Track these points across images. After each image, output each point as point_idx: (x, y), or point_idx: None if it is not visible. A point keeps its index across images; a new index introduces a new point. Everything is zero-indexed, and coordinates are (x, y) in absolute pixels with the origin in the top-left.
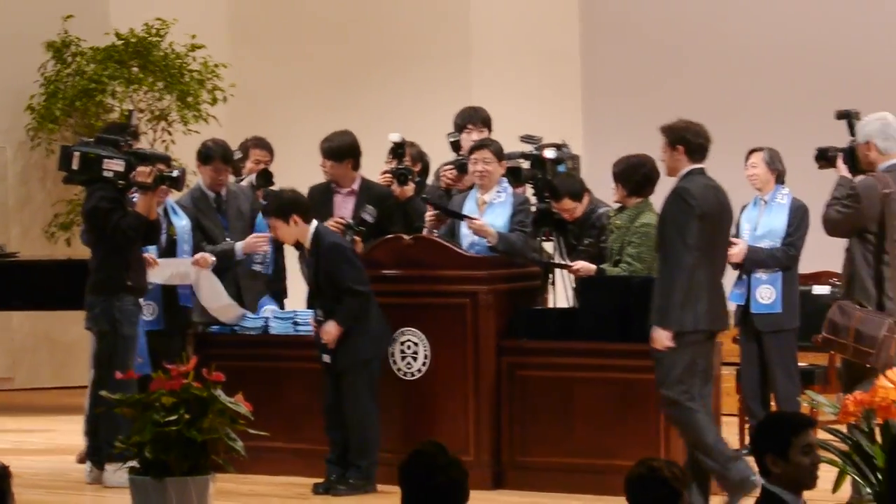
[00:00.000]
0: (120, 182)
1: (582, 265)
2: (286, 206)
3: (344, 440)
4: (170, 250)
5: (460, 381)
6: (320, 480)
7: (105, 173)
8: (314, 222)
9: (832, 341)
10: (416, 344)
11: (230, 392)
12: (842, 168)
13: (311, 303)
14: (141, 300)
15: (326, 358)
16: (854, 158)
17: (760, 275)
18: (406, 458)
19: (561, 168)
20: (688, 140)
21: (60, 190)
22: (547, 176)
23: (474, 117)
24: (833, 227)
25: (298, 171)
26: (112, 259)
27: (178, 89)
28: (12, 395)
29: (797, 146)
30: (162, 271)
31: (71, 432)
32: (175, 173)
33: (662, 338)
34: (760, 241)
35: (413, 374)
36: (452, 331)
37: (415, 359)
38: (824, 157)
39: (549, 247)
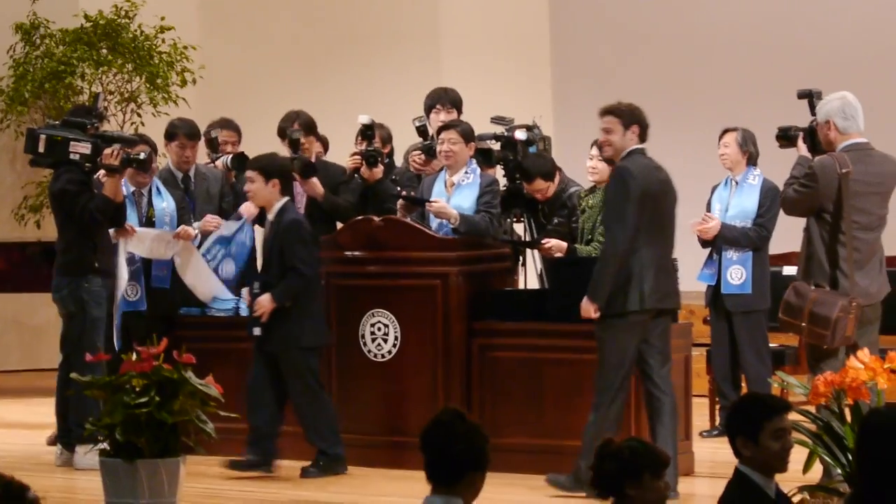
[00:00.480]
0: (86, 164)
1: (554, 243)
2: (274, 167)
3: (267, 422)
4: None
5: (430, 363)
6: (291, 462)
7: (71, 156)
8: (286, 198)
9: (788, 323)
10: (386, 325)
11: (201, 374)
12: (802, 147)
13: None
14: (125, 280)
15: (257, 331)
16: (814, 138)
17: (731, 255)
18: (426, 426)
19: (532, 149)
20: (642, 122)
21: (30, 172)
22: (518, 157)
23: (443, 98)
24: (790, 206)
25: (268, 152)
26: (79, 241)
27: (148, 71)
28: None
29: (769, 127)
30: (141, 242)
31: (41, 414)
32: (142, 155)
33: (589, 309)
34: (732, 221)
35: (383, 356)
36: (423, 312)
37: (385, 340)
38: (786, 137)
39: (519, 228)
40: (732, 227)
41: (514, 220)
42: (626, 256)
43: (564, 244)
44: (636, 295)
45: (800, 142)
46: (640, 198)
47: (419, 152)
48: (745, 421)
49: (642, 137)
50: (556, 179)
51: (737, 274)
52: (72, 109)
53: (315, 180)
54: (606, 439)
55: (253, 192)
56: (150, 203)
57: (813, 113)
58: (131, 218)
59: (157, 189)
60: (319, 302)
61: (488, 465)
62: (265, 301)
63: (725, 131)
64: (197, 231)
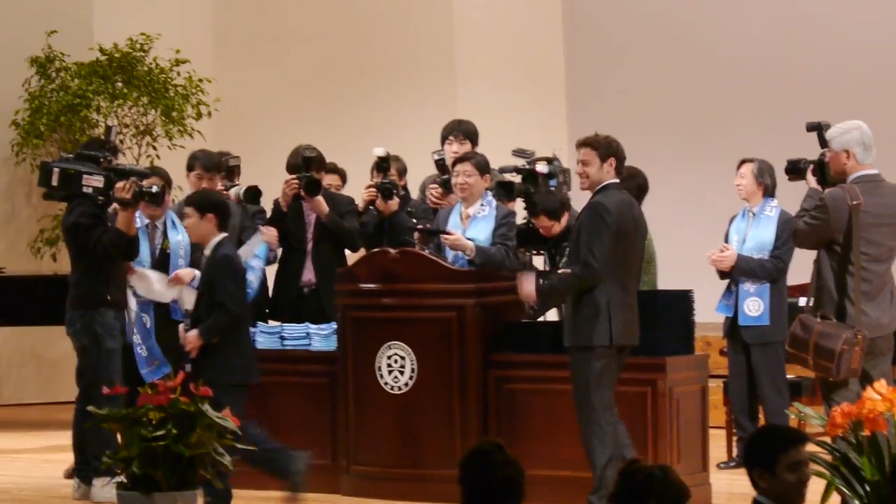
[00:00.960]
0: (100, 198)
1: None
2: (208, 202)
3: None
4: (162, 264)
5: (447, 395)
6: (309, 495)
7: (84, 189)
8: (224, 234)
9: (795, 356)
10: (402, 358)
11: (217, 407)
12: (811, 180)
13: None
14: (134, 312)
15: (188, 367)
16: (824, 170)
17: (748, 287)
18: (467, 454)
19: (553, 182)
20: (619, 155)
21: (46, 205)
22: (540, 189)
23: (456, 129)
24: (802, 238)
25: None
26: (92, 274)
27: (163, 104)
28: None
29: (786, 158)
30: (141, 280)
31: (59, 448)
32: (154, 189)
33: (529, 292)
34: (749, 253)
35: (400, 388)
36: (439, 344)
37: (402, 372)
38: (794, 170)
39: (539, 261)
40: (749, 259)
41: (535, 252)
42: (593, 288)
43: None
44: (605, 329)
45: (809, 174)
46: (616, 234)
47: (436, 186)
48: (762, 453)
49: (618, 171)
50: (564, 219)
51: (754, 306)
52: (85, 143)
53: (320, 198)
54: (633, 459)
55: (189, 228)
56: (164, 235)
57: (822, 145)
58: (143, 250)
59: (173, 222)
60: (247, 340)
61: (524, 499)
62: (192, 337)
63: (743, 162)
64: (195, 273)
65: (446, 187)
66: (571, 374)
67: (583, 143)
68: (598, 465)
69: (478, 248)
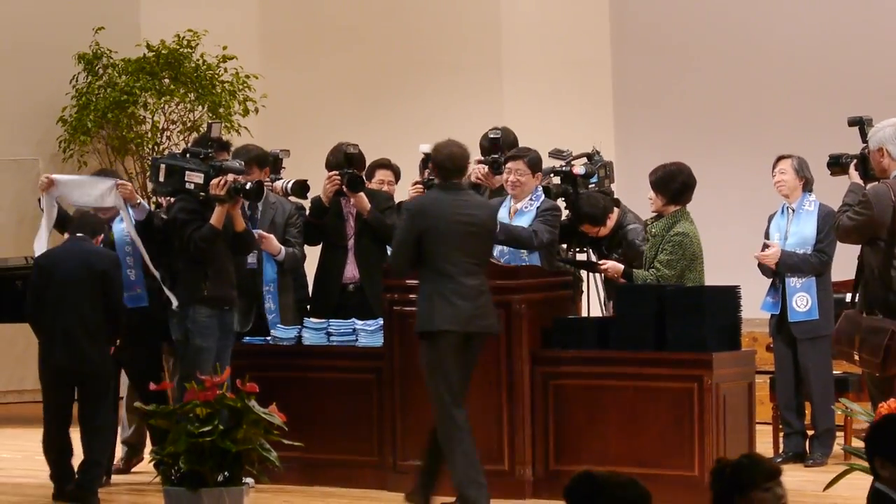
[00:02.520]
0: (200, 194)
1: (610, 264)
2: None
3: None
4: None
5: (494, 392)
6: (356, 491)
7: (187, 185)
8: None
9: (842, 352)
10: None
11: (264, 403)
12: (854, 175)
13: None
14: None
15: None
16: (866, 165)
17: (795, 283)
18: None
19: (593, 179)
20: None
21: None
22: (578, 190)
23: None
24: (845, 233)
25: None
26: (190, 269)
27: (210, 100)
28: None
29: (825, 155)
30: (68, 190)
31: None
32: (249, 185)
33: None
34: (791, 248)
35: None
36: (486, 340)
37: None
38: (837, 164)
39: (582, 258)
40: (793, 254)
41: (578, 250)
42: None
43: (621, 266)
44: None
45: (851, 169)
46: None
47: (483, 165)
48: (883, 442)
49: (441, 176)
50: (612, 219)
51: (802, 301)
52: (196, 139)
53: (362, 195)
54: (718, 458)
55: None
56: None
57: (864, 140)
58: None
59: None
60: None
61: None
62: None
63: (780, 158)
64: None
65: (496, 168)
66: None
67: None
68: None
69: (503, 225)
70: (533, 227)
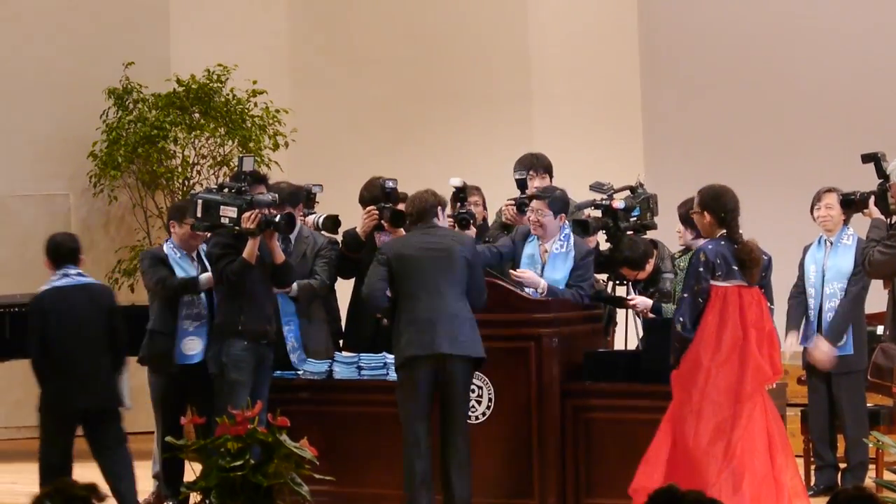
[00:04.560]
0: (235, 228)
1: (640, 300)
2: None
3: None
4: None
5: (524, 424)
6: None
7: (222, 219)
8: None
9: (878, 384)
10: (479, 387)
11: (295, 437)
12: (874, 210)
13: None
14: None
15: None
16: (885, 200)
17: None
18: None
19: (635, 213)
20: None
21: (123, 236)
22: (620, 223)
23: (536, 164)
24: (876, 268)
25: (360, 214)
26: (227, 303)
27: (240, 135)
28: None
29: (857, 187)
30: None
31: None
32: (278, 218)
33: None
34: (829, 283)
35: (477, 418)
36: (516, 374)
37: (479, 402)
38: (851, 205)
39: (621, 292)
40: (837, 324)
41: (616, 283)
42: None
43: (650, 301)
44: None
45: (871, 205)
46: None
47: (512, 204)
48: None
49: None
50: (651, 263)
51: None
52: (233, 174)
53: (402, 231)
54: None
55: None
56: (202, 265)
57: (880, 176)
58: (192, 273)
59: (199, 254)
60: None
61: None
62: None
63: (826, 191)
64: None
65: (521, 210)
66: (460, 384)
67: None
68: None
69: (550, 288)
70: (574, 289)
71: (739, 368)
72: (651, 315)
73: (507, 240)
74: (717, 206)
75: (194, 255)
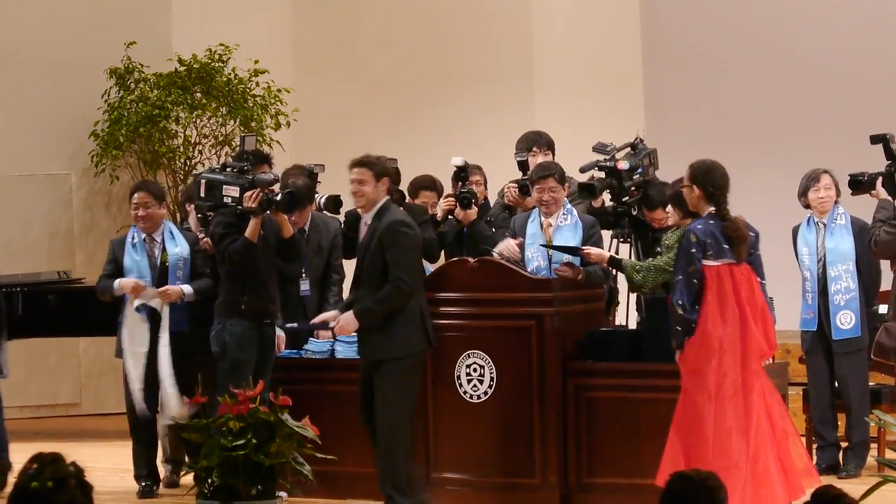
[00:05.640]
0: (238, 207)
1: (595, 251)
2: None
3: None
4: (162, 277)
5: (526, 403)
6: None
7: (225, 199)
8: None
9: (881, 363)
10: (481, 367)
11: (297, 416)
12: (881, 191)
13: None
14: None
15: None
16: (893, 181)
17: (839, 300)
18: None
19: (639, 171)
20: (391, 174)
21: (125, 216)
22: (624, 183)
23: (539, 141)
24: (882, 247)
25: None
26: (229, 283)
27: (242, 115)
28: (79, 420)
29: (859, 165)
30: (144, 295)
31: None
32: (279, 196)
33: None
34: (831, 266)
35: (479, 397)
36: (518, 353)
37: (480, 381)
38: (859, 186)
39: (624, 249)
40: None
41: (622, 240)
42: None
43: (606, 254)
44: (423, 335)
45: (879, 185)
46: (418, 247)
47: (514, 185)
48: None
49: (390, 190)
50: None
51: (846, 319)
52: (235, 153)
53: (402, 210)
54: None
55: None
56: (163, 248)
57: (888, 157)
58: (142, 264)
59: (171, 233)
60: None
61: None
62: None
63: (821, 173)
64: (187, 291)
65: (524, 192)
66: (387, 386)
67: (357, 163)
68: (400, 474)
69: (587, 272)
70: (597, 265)
71: (743, 346)
72: (606, 266)
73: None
74: (706, 180)
75: (159, 238)
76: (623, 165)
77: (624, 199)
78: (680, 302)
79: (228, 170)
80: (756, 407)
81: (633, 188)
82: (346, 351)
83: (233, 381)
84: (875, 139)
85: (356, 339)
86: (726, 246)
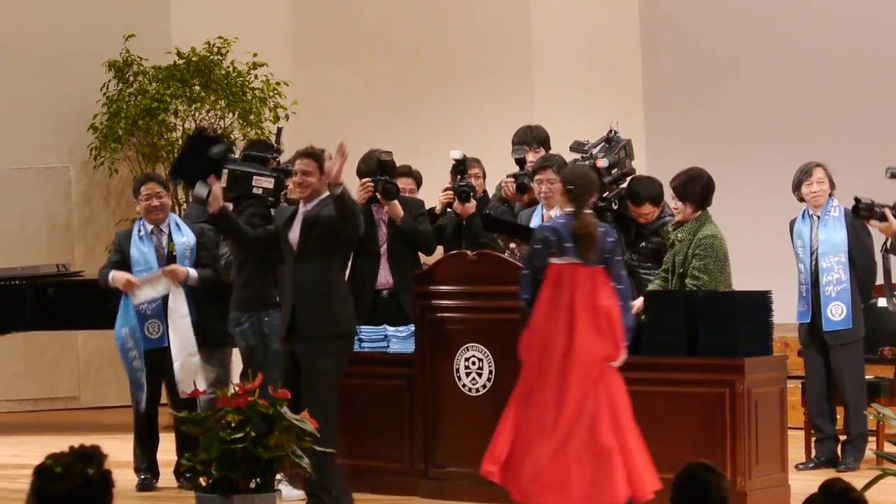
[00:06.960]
0: (269, 199)
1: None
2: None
3: None
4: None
5: None
6: (388, 497)
7: (255, 190)
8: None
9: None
10: (480, 360)
11: (296, 409)
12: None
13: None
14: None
15: None
16: None
17: (830, 291)
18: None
19: (615, 170)
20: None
21: (124, 209)
22: (603, 180)
23: (529, 138)
24: None
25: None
26: (261, 275)
27: (240, 107)
28: (78, 413)
29: (857, 159)
30: (142, 292)
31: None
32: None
33: None
34: (823, 257)
35: (478, 390)
36: (516, 346)
37: (479, 374)
38: (869, 214)
39: None
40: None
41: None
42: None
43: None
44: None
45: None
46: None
47: (511, 180)
48: None
49: None
50: (662, 205)
51: (837, 310)
52: (250, 143)
53: (396, 203)
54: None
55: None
56: (170, 238)
57: None
58: (149, 255)
59: (177, 224)
60: None
61: None
62: None
63: (815, 166)
64: (191, 274)
65: (521, 189)
66: (315, 364)
67: (303, 154)
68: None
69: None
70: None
71: (568, 346)
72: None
73: None
74: (569, 181)
75: (166, 229)
76: (602, 163)
77: (604, 195)
78: (524, 296)
79: (250, 161)
80: (578, 405)
81: (612, 183)
82: (399, 345)
83: (274, 370)
84: (894, 173)
85: (411, 332)
86: (569, 245)
